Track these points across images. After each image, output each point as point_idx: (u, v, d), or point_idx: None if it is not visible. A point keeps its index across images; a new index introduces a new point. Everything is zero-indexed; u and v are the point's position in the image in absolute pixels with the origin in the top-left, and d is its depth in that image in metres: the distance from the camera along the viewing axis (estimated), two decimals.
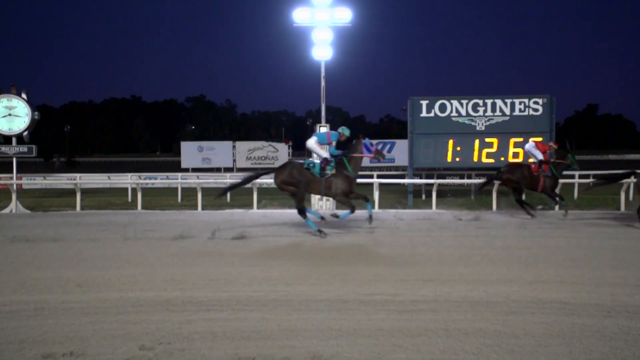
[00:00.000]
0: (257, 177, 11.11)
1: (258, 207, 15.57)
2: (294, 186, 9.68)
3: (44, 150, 59.35)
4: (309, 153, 13.18)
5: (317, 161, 9.93)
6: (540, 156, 12.80)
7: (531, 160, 13.06)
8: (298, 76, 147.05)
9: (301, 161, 10.12)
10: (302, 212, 9.64)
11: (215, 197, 13.12)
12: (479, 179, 19.24)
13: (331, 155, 10.03)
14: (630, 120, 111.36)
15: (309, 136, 10.44)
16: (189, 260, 7.29)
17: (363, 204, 9.89)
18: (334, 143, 10.20)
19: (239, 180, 10.95)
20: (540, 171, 12.66)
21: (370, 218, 9.79)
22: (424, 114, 15.94)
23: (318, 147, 9.98)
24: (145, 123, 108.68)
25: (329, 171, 9.70)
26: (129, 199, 19.48)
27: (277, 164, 31.05)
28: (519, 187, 12.77)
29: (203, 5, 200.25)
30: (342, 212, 10.09)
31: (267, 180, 22.75)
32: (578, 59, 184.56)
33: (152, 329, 4.36)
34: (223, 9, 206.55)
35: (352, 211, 9.71)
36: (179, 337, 4.18)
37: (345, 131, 10.28)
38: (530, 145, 13.13)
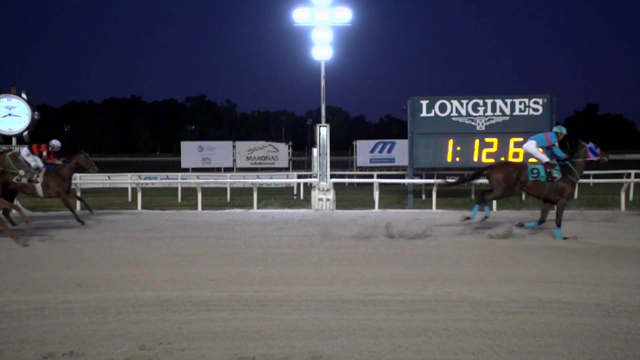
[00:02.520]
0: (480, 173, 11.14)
1: (258, 207, 15.60)
2: (504, 188, 9.46)
3: None
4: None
5: (540, 166, 9.55)
6: None
7: None
8: (298, 76, 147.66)
9: (529, 165, 9.64)
10: (485, 201, 9.65)
11: (441, 186, 15.13)
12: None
13: (557, 157, 9.74)
14: (630, 120, 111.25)
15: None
16: (189, 260, 7.29)
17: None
18: (556, 144, 9.79)
19: (457, 180, 12.78)
20: None
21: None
22: (424, 114, 15.95)
23: (538, 152, 9.70)
24: (145, 123, 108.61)
25: (557, 174, 9.43)
26: (129, 199, 19.51)
27: (277, 164, 31.21)
28: None
29: (203, 5, 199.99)
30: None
31: (267, 180, 22.90)
32: (578, 59, 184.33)
33: (152, 329, 4.36)
34: (223, 9, 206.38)
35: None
36: (179, 337, 4.18)
37: (562, 129, 9.94)
38: None
